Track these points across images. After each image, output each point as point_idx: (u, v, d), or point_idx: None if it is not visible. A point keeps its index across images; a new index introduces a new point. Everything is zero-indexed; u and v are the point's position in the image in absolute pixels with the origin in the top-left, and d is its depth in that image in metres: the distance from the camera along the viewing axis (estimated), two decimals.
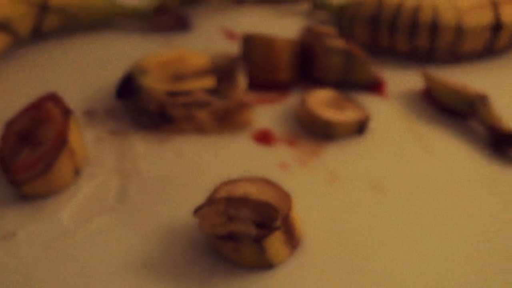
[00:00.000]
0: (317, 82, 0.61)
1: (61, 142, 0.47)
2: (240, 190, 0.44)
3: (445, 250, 0.45)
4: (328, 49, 0.59)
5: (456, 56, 0.66)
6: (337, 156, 0.53)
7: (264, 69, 0.61)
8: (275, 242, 0.42)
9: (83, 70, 0.64)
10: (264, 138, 0.55)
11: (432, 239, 0.45)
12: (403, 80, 0.63)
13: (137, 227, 0.46)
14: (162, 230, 0.46)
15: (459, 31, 0.64)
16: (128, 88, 0.57)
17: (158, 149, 0.54)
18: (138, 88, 0.56)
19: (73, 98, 0.58)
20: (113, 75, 0.63)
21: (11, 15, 0.65)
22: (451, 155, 0.53)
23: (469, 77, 0.63)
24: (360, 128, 0.55)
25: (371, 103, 0.59)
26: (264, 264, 0.42)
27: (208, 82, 0.58)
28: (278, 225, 0.41)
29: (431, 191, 0.49)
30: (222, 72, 0.59)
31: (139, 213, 0.48)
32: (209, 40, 0.70)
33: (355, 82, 0.61)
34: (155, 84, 0.56)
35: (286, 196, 0.44)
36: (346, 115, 0.55)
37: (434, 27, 0.64)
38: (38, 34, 0.69)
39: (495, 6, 0.65)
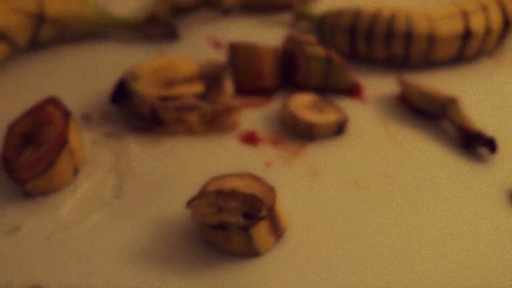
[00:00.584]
0: (299, 87, 0.64)
1: (62, 142, 0.51)
2: (228, 184, 0.48)
3: (416, 236, 0.48)
4: (309, 56, 0.63)
5: (429, 62, 0.69)
6: (318, 155, 0.57)
7: (249, 76, 0.64)
8: (261, 231, 0.45)
9: (78, 77, 0.68)
10: (249, 139, 0.59)
11: (405, 228, 0.49)
12: (379, 85, 0.66)
13: (133, 220, 0.50)
14: (156, 222, 0.49)
15: (432, 39, 0.67)
16: (121, 93, 0.60)
17: (151, 150, 0.57)
18: (131, 93, 0.59)
19: (70, 103, 0.61)
20: (106, 82, 0.66)
21: (9, 25, 0.68)
22: (424, 153, 0.57)
23: (441, 82, 0.66)
24: (339, 129, 0.59)
25: (349, 106, 0.63)
26: (251, 252, 0.46)
27: (197, 87, 0.61)
28: (264, 215, 0.44)
29: (404, 186, 0.53)
30: (210, 78, 0.62)
31: (135, 208, 0.51)
32: (196, 49, 0.73)
33: (335, 87, 0.65)
34: (147, 89, 0.60)
35: (270, 190, 0.47)
36: (326, 117, 0.59)
37: (408, 36, 0.67)
38: (35, 44, 0.72)
39: (465, 16, 0.68)
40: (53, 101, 0.53)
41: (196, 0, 0.79)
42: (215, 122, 0.60)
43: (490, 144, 0.56)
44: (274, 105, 0.63)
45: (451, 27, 0.68)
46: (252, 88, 0.65)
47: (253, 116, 0.62)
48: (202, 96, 0.61)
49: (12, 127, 0.54)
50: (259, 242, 0.45)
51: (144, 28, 0.75)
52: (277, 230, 0.47)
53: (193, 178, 0.53)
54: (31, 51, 0.72)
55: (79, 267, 0.46)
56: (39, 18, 0.70)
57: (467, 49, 0.69)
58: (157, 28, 0.75)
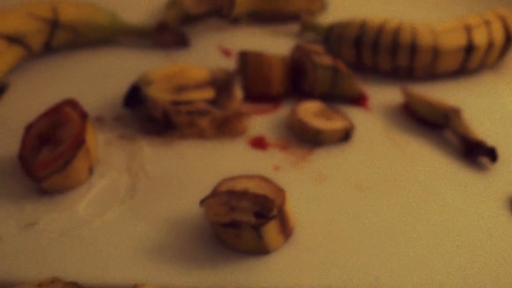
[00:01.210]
0: (306, 95, 0.67)
1: (79, 142, 0.53)
2: (240, 185, 0.50)
3: (417, 238, 0.50)
4: (317, 65, 0.65)
5: (433, 74, 0.72)
6: (325, 160, 0.59)
7: (258, 83, 0.66)
8: (271, 230, 0.47)
9: (91, 81, 0.70)
10: (259, 143, 0.61)
11: (407, 229, 0.51)
12: (384, 95, 0.69)
13: (145, 218, 0.52)
14: (169, 220, 0.51)
15: (436, 52, 0.70)
16: (135, 97, 0.62)
17: (163, 152, 0.59)
18: (144, 97, 0.61)
19: (83, 106, 0.62)
20: (118, 86, 0.68)
21: (25, 30, 0.70)
22: (426, 160, 0.59)
23: (444, 93, 0.68)
24: (345, 136, 0.61)
25: (355, 114, 0.65)
26: (261, 250, 0.48)
27: (208, 93, 0.63)
28: (274, 214, 0.46)
29: (407, 191, 0.55)
30: (220, 85, 0.64)
31: (147, 206, 0.53)
32: (206, 56, 0.76)
33: (341, 96, 0.67)
34: (159, 94, 0.62)
35: (280, 191, 0.49)
36: (333, 124, 0.61)
37: (413, 48, 0.69)
38: (48, 49, 0.74)
39: (468, 30, 0.71)
40: (70, 103, 0.55)
41: (205, 9, 0.81)
42: (225, 127, 0.62)
43: (491, 154, 0.58)
44: (282, 111, 0.65)
45: (454, 40, 0.70)
46: (261, 95, 0.67)
47: (262, 122, 0.64)
48: (213, 102, 0.63)
49: (29, 128, 0.56)
50: (269, 240, 0.47)
51: (155, 35, 0.77)
52: (286, 230, 0.49)
53: (204, 179, 0.55)
54: (44, 56, 0.74)
55: (94, 261, 0.48)
56: (54, 24, 0.72)
57: (469, 62, 0.72)
58: (167, 36, 0.77)
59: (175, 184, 0.55)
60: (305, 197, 0.54)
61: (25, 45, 0.71)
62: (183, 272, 0.47)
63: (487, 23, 0.72)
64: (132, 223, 0.51)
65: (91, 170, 0.56)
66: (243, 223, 0.46)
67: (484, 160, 0.59)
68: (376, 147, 0.61)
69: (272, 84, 0.66)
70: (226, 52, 0.76)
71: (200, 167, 0.57)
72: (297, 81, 0.68)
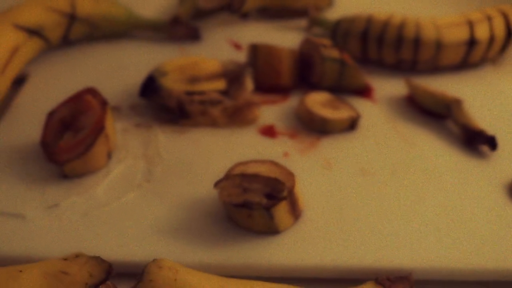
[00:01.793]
0: (314, 86, 0.69)
1: (99, 128, 0.56)
2: (252, 169, 0.52)
3: (419, 219, 0.53)
4: (325, 57, 0.68)
5: (436, 68, 0.74)
6: (332, 147, 0.62)
7: (268, 75, 0.69)
8: (282, 211, 0.50)
9: (108, 72, 0.73)
10: (268, 132, 0.64)
11: (409, 211, 0.54)
12: (389, 87, 0.71)
13: (162, 200, 0.54)
14: (184, 202, 0.54)
15: (439, 45, 0.72)
16: (150, 87, 0.65)
17: (177, 139, 0.62)
18: (159, 87, 0.64)
19: None
20: (134, 77, 0.71)
21: (44, 23, 0.73)
22: (429, 148, 0.62)
23: (446, 85, 0.71)
24: (351, 125, 0.64)
25: (361, 105, 0.68)
26: (272, 230, 0.51)
27: (220, 84, 0.66)
28: (285, 196, 0.49)
29: (410, 176, 0.58)
30: (232, 76, 0.67)
31: (164, 189, 0.56)
32: (217, 49, 0.78)
33: (347, 87, 0.70)
34: (174, 84, 0.65)
35: (290, 175, 0.52)
36: (339, 114, 0.64)
37: (417, 42, 0.72)
38: (66, 42, 0.77)
39: (470, 25, 0.73)
40: (91, 91, 0.58)
41: (216, 4, 0.84)
42: (236, 116, 0.64)
43: (491, 142, 0.61)
44: (291, 102, 0.68)
45: (457, 34, 0.72)
46: (270, 86, 0.69)
47: (271, 112, 0.66)
48: (224, 92, 0.66)
49: (51, 115, 0.58)
50: (279, 220, 0.50)
51: (169, 29, 0.80)
52: (295, 211, 0.52)
53: (216, 164, 0.58)
54: (61, 48, 0.77)
55: (114, 239, 0.50)
56: (71, 17, 0.75)
57: (471, 56, 0.74)
58: (180, 30, 0.80)
59: (189, 169, 0.58)
60: (313, 181, 0.57)
61: (44, 38, 0.74)
62: (198, 249, 0.50)
63: (489, 18, 0.74)
64: (149, 205, 0.54)
65: (109, 156, 0.58)
66: (255, 203, 0.49)
67: (484, 148, 0.61)
68: (381, 136, 0.63)
69: (282, 76, 0.69)
70: (237, 46, 0.79)
71: (212, 154, 0.60)
72: (305, 73, 0.70)
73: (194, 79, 0.65)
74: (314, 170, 0.58)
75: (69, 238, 0.51)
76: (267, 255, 0.49)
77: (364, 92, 0.70)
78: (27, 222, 0.52)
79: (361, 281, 0.47)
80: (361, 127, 0.64)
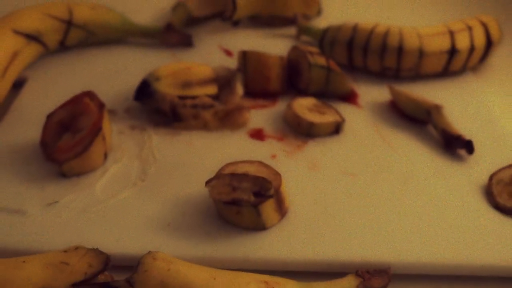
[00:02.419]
0: (302, 92, 0.73)
1: (97, 129, 0.59)
2: (241, 169, 0.56)
3: (398, 217, 0.56)
4: (312, 64, 0.71)
5: (418, 75, 0.77)
6: (317, 150, 0.65)
7: (258, 80, 0.72)
8: (269, 208, 0.53)
9: (103, 77, 0.76)
10: (257, 135, 0.67)
11: (389, 210, 0.57)
12: (373, 93, 0.75)
13: (155, 198, 0.57)
14: (176, 200, 0.57)
15: (421, 54, 0.75)
16: (144, 91, 0.68)
17: (170, 141, 0.65)
18: (153, 91, 0.67)
19: None
20: (128, 81, 0.74)
21: (43, 29, 0.76)
22: (410, 151, 0.65)
23: (428, 93, 0.74)
24: (336, 129, 0.67)
25: (346, 110, 0.71)
26: (259, 226, 0.54)
27: (211, 89, 0.69)
28: (271, 194, 0.52)
29: (391, 178, 0.61)
30: (223, 81, 0.70)
31: (158, 188, 0.59)
32: (209, 56, 0.81)
33: (333, 93, 0.73)
34: (167, 89, 0.68)
35: (277, 174, 0.55)
36: (325, 118, 0.67)
37: (400, 50, 0.75)
38: (63, 47, 0.80)
39: (451, 35, 0.77)
40: (89, 94, 0.61)
41: (208, 12, 0.87)
42: (227, 120, 0.67)
43: (468, 146, 0.64)
44: (279, 106, 0.71)
45: (438, 44, 0.76)
46: (260, 91, 0.73)
47: (260, 116, 0.70)
48: (215, 97, 0.69)
49: (50, 116, 0.61)
50: (266, 217, 0.53)
51: (162, 36, 0.83)
52: (281, 209, 0.55)
53: (207, 165, 0.61)
54: (59, 53, 0.80)
55: (111, 233, 0.53)
56: (69, 23, 0.78)
57: (452, 65, 0.77)
58: (173, 36, 0.83)
59: (182, 169, 0.61)
60: (299, 182, 0.60)
61: (42, 43, 0.76)
62: (190, 244, 0.53)
63: (469, 28, 0.77)
64: (143, 202, 0.57)
65: (106, 156, 0.61)
66: (243, 201, 0.52)
67: (462, 152, 0.65)
68: (364, 140, 0.66)
69: (271, 82, 0.72)
70: (228, 53, 0.82)
71: (204, 155, 0.63)
72: (293, 79, 0.74)
73: (186, 84, 0.68)
74: (300, 171, 0.61)
75: (68, 233, 0.53)
76: (254, 249, 0.52)
77: (349, 97, 0.73)
78: (28, 217, 0.55)
79: (343, 274, 0.49)
80: (346, 131, 0.67)
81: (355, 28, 0.77)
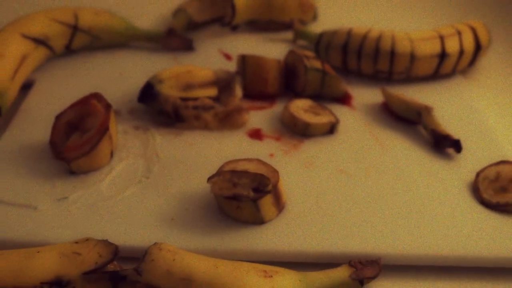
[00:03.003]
0: (298, 94, 0.76)
1: (104, 129, 0.62)
2: (241, 166, 0.59)
3: (390, 211, 0.59)
4: (308, 68, 0.74)
5: (410, 78, 0.80)
6: (313, 149, 0.68)
7: (256, 83, 0.75)
8: (267, 203, 0.56)
9: (108, 79, 0.79)
10: (256, 134, 0.70)
11: (381, 204, 0.60)
12: (366, 95, 0.78)
13: (160, 194, 0.61)
14: (180, 196, 0.60)
15: (413, 58, 0.79)
16: (148, 93, 0.71)
17: (173, 141, 0.68)
18: (156, 93, 0.70)
19: None
20: (132, 84, 0.77)
21: (49, 33, 0.79)
22: (401, 150, 0.68)
23: (419, 95, 0.77)
24: (331, 129, 0.70)
25: (340, 111, 0.74)
26: (258, 220, 0.57)
27: (212, 91, 0.72)
28: (270, 189, 0.56)
29: (383, 175, 0.64)
30: (223, 84, 0.73)
31: (161, 184, 0.62)
32: (209, 59, 0.85)
33: (328, 95, 0.76)
34: (170, 91, 0.71)
35: (275, 172, 0.59)
36: (320, 119, 0.70)
37: (393, 54, 0.78)
38: (69, 51, 0.83)
39: (442, 39, 0.80)
40: (96, 96, 0.64)
41: (208, 17, 0.90)
42: (227, 120, 0.71)
43: (456, 145, 0.67)
44: (277, 108, 0.74)
45: (429, 48, 0.79)
46: (258, 94, 0.76)
47: (259, 117, 0.73)
48: (216, 99, 0.72)
49: (59, 117, 0.65)
50: (264, 212, 0.56)
51: (164, 40, 0.86)
52: (279, 204, 0.58)
53: (209, 163, 0.64)
54: (65, 57, 0.83)
55: (117, 227, 0.56)
56: (74, 28, 0.81)
57: (442, 68, 0.80)
58: (175, 41, 0.86)
59: (184, 167, 0.64)
60: (296, 179, 0.63)
61: (49, 47, 0.80)
62: (192, 237, 0.56)
63: (459, 33, 0.80)
64: (148, 198, 0.60)
65: (112, 154, 0.65)
66: (243, 196, 0.55)
67: (450, 150, 0.68)
68: (358, 139, 0.70)
69: (268, 84, 0.75)
70: (227, 56, 0.86)
71: (205, 154, 0.66)
72: (290, 81, 0.77)
73: (188, 86, 0.71)
74: (297, 169, 0.65)
75: (77, 227, 0.56)
76: (253, 242, 0.56)
77: (344, 99, 0.76)
78: (39, 212, 0.58)
79: (337, 264, 0.53)
80: (340, 131, 0.71)
81: (349, 33, 0.80)
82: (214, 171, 0.59)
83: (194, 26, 0.90)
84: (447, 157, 0.67)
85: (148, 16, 0.95)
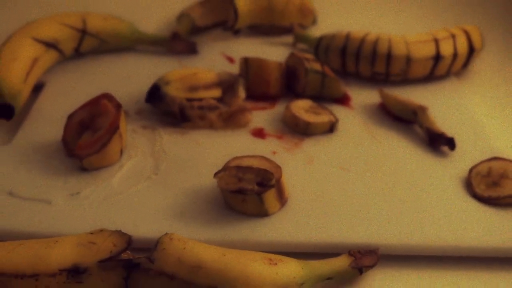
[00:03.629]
0: (299, 95, 0.79)
1: (115, 127, 0.65)
2: (246, 162, 0.62)
3: (387, 204, 0.62)
4: (308, 70, 0.77)
5: (406, 80, 0.83)
6: (313, 147, 0.71)
7: (259, 84, 0.78)
8: (271, 197, 0.59)
9: (115, 81, 0.82)
10: (259, 133, 0.73)
11: (378, 198, 0.63)
12: (364, 96, 0.81)
13: (168, 189, 0.63)
14: (186, 191, 0.63)
15: (409, 60, 0.82)
16: (155, 94, 0.74)
17: (179, 139, 0.71)
18: (163, 95, 0.73)
19: None
20: (138, 86, 0.80)
21: (59, 37, 0.82)
22: (398, 148, 0.71)
23: (414, 96, 0.80)
24: (330, 128, 0.73)
25: (339, 111, 0.77)
26: (262, 213, 0.60)
27: (216, 92, 0.76)
28: (273, 184, 0.59)
29: (380, 171, 0.67)
30: (226, 85, 0.76)
31: (170, 181, 0.65)
32: (212, 62, 0.88)
33: (328, 96, 0.79)
34: (176, 92, 0.74)
35: (278, 167, 0.62)
36: (320, 118, 0.73)
37: (389, 57, 0.81)
38: (77, 54, 0.86)
39: (436, 42, 0.83)
40: (107, 96, 0.67)
41: (211, 21, 0.94)
42: (231, 120, 0.74)
43: (450, 143, 0.70)
44: (278, 108, 0.77)
45: (424, 50, 0.82)
46: (260, 95, 0.79)
47: (261, 117, 0.76)
48: (220, 100, 0.75)
49: (71, 117, 0.68)
50: (268, 205, 0.59)
51: (169, 44, 0.89)
52: (281, 198, 0.61)
53: (214, 161, 0.66)
54: (74, 60, 0.86)
55: (129, 220, 0.59)
56: (83, 32, 0.84)
57: (437, 70, 0.83)
58: (179, 44, 0.89)
59: (191, 164, 0.67)
60: (297, 175, 0.66)
61: (59, 50, 0.83)
62: (199, 230, 0.58)
63: (453, 36, 0.83)
64: (157, 193, 0.63)
65: (121, 152, 0.68)
66: (248, 190, 0.58)
67: (445, 148, 0.71)
68: (356, 138, 0.73)
69: (270, 86, 0.78)
70: (230, 59, 0.89)
71: (210, 152, 0.69)
72: (291, 83, 0.80)
73: (193, 88, 0.74)
74: (298, 165, 0.68)
75: (90, 220, 0.59)
76: (257, 233, 0.58)
77: (343, 100, 0.80)
78: (53, 206, 0.61)
79: (337, 254, 0.56)
80: (339, 130, 0.74)
81: (347, 37, 0.83)
82: (219, 167, 0.62)
83: (197, 30, 0.93)
84: (442, 154, 0.70)
85: (153, 20, 0.98)
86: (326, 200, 0.62)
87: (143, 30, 0.90)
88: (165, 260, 0.50)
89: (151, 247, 0.52)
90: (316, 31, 0.96)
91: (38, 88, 0.80)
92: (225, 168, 0.60)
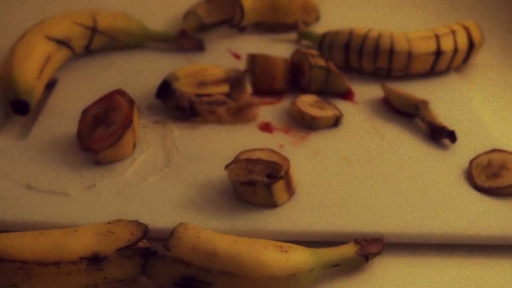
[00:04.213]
0: (304, 90, 0.81)
1: (128, 122, 0.67)
2: (255, 155, 0.64)
3: (390, 194, 0.64)
4: (312, 65, 0.80)
5: (408, 75, 0.85)
6: (319, 140, 0.73)
7: (265, 80, 0.81)
8: (279, 188, 0.62)
9: (125, 78, 0.84)
10: (266, 127, 0.75)
11: (381, 189, 0.65)
12: (367, 90, 0.83)
13: (180, 181, 0.66)
14: (198, 183, 0.65)
15: (410, 55, 0.84)
16: (165, 90, 0.76)
17: (189, 134, 0.74)
18: (173, 90, 0.76)
19: None
20: (148, 82, 0.82)
21: (71, 35, 0.84)
22: (400, 141, 0.73)
23: (416, 90, 0.82)
24: (335, 122, 0.76)
25: (343, 106, 0.79)
26: (271, 204, 0.62)
27: (224, 88, 0.78)
28: (282, 175, 0.61)
29: (383, 163, 0.69)
30: (234, 81, 0.79)
31: (181, 173, 0.67)
32: (219, 59, 0.90)
33: (332, 91, 0.81)
34: (185, 87, 0.76)
35: (286, 160, 0.64)
36: (325, 113, 0.76)
37: (391, 53, 0.84)
38: (88, 51, 0.89)
39: (437, 38, 0.85)
40: (120, 92, 0.69)
41: (217, 19, 0.96)
42: (239, 115, 0.76)
43: (451, 136, 0.72)
44: (284, 103, 0.80)
45: (426, 46, 0.84)
46: (267, 90, 0.81)
47: (268, 111, 0.78)
48: (228, 95, 0.78)
49: (85, 112, 0.70)
50: (277, 196, 0.62)
51: (177, 41, 0.92)
52: (290, 189, 0.63)
53: (223, 154, 0.69)
54: (85, 57, 0.89)
55: (143, 211, 0.61)
56: (93, 30, 0.87)
57: (438, 65, 0.86)
58: (187, 41, 0.92)
59: (201, 157, 0.69)
60: (304, 167, 0.68)
61: (70, 48, 0.85)
62: (211, 220, 0.61)
63: (453, 32, 0.86)
64: (170, 185, 0.65)
65: (134, 146, 0.70)
66: (258, 182, 0.61)
67: (446, 141, 0.73)
68: (360, 131, 0.75)
69: (276, 81, 0.81)
70: (236, 56, 0.91)
71: (219, 145, 0.72)
72: (296, 78, 0.82)
73: (202, 84, 0.77)
74: (305, 158, 0.70)
75: (105, 211, 0.61)
76: (267, 223, 0.61)
77: (347, 95, 0.82)
78: (70, 198, 0.63)
79: (344, 243, 0.58)
80: (344, 124, 0.76)
81: (350, 33, 0.86)
82: (228, 160, 0.64)
83: (204, 27, 0.95)
84: (443, 146, 0.72)
85: (161, 18, 1.01)
86: (332, 191, 0.65)
87: (151, 28, 0.92)
88: (181, 248, 0.52)
89: (165, 237, 0.54)
90: (319, 28, 0.98)
91: (51, 85, 0.82)
92: (236, 160, 0.62)
